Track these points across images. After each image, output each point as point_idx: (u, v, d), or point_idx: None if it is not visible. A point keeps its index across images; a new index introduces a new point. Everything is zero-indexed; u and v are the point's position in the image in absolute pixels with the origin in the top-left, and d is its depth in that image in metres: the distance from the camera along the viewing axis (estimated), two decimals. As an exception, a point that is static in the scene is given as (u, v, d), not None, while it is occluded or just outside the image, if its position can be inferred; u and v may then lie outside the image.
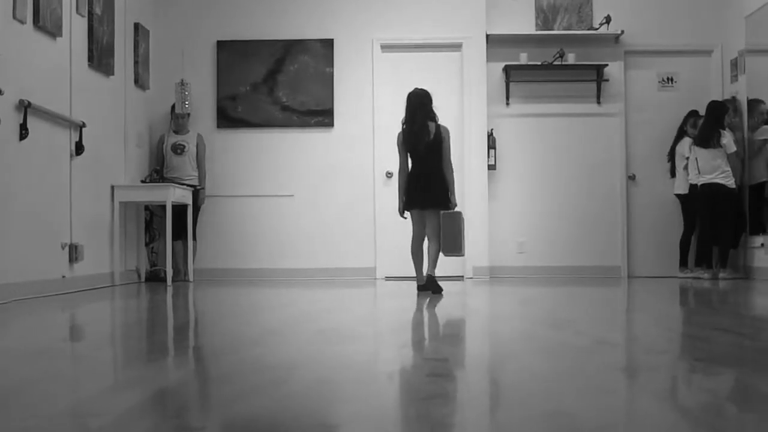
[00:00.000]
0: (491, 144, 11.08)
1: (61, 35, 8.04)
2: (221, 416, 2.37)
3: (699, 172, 10.35)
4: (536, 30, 11.33)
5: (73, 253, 8.30)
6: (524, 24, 11.36)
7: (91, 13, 8.79)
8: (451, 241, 8.02)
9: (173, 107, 10.45)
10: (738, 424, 2.27)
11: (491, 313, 6.15)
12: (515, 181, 11.30)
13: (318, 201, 11.01)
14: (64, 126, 8.20)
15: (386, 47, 11.11)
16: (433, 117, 8.11)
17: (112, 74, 9.38)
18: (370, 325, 5.12)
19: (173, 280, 9.92)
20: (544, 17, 11.37)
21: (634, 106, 11.42)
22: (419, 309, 6.30)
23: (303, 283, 9.76)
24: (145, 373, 3.23)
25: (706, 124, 10.36)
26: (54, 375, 3.20)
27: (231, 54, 11.03)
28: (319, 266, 10.94)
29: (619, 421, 2.36)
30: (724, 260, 10.36)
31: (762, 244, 10.13)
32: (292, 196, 11.02)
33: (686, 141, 10.82)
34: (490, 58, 11.15)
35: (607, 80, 11.28)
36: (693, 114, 10.94)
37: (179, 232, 10.16)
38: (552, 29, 11.32)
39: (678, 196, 10.97)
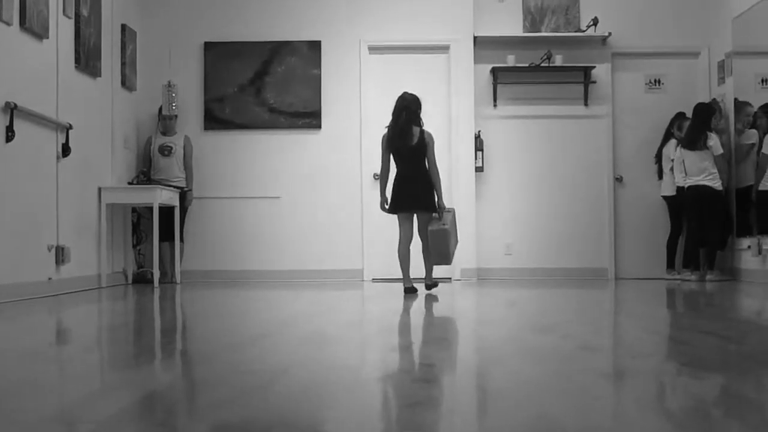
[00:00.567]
0: (479, 146, 11.09)
1: (47, 37, 8.01)
2: (207, 422, 2.37)
3: (686, 174, 10.37)
4: (524, 32, 11.33)
5: (60, 255, 8.27)
6: (512, 26, 11.36)
7: (78, 15, 8.76)
8: (439, 257, 8.24)
9: (160, 109, 10.42)
10: (723, 429, 2.27)
11: (478, 316, 6.16)
12: (503, 182, 11.30)
13: (305, 203, 11.00)
14: (51, 128, 8.18)
15: (373, 49, 11.11)
16: (418, 122, 8.19)
17: (99, 76, 9.36)
18: (357, 329, 5.12)
19: (160, 282, 9.91)
20: (532, 19, 11.38)
21: (622, 108, 11.44)
22: (406, 312, 6.30)
23: (290, 285, 9.75)
24: (131, 378, 3.22)
25: (693, 126, 10.38)
26: (40, 379, 3.19)
27: (218, 55, 11.02)
28: (306, 268, 10.93)
29: (604, 427, 2.36)
30: (711, 262, 10.39)
31: (749, 246, 10.16)
32: (279, 197, 11.00)
33: (673, 143, 10.84)
34: (477, 59, 11.16)
35: (594, 82, 11.29)
36: (680, 116, 10.96)
37: (166, 234, 10.13)
38: (539, 31, 11.33)
39: (665, 198, 10.99)
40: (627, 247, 11.36)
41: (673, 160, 10.71)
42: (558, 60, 11.16)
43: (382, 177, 8.36)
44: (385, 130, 8.32)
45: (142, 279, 10.29)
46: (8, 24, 7.25)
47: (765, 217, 9.96)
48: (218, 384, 3.01)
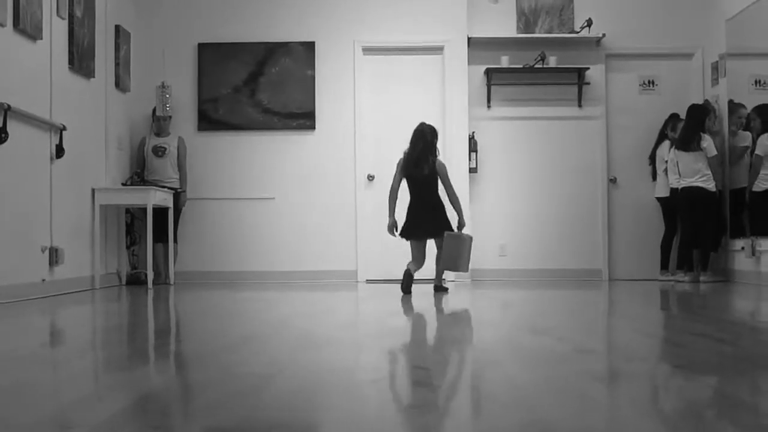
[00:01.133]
0: (472, 147, 11.09)
1: (41, 38, 8.00)
2: (201, 425, 2.36)
3: (679, 176, 10.38)
4: (518, 33, 11.34)
5: (54, 256, 8.26)
6: (506, 27, 11.37)
7: (71, 16, 8.75)
8: (449, 260, 8.39)
9: (154, 110, 10.41)
10: (718, 431, 2.27)
11: (472, 317, 6.15)
12: (496, 184, 11.31)
13: (299, 204, 11.00)
14: (45, 129, 8.17)
15: (368, 50, 11.11)
16: (433, 152, 8.49)
17: (93, 77, 9.35)
18: (351, 330, 5.11)
19: (154, 283, 9.90)
20: (526, 20, 11.38)
21: (616, 109, 11.45)
22: (400, 313, 6.30)
23: (284, 286, 9.75)
24: (125, 381, 3.22)
25: (687, 128, 10.39)
26: (33, 382, 3.19)
27: (212, 56, 11.01)
28: (300, 269, 10.93)
29: (599, 429, 2.36)
30: (705, 263, 10.39)
31: (742, 248, 10.17)
32: (273, 198, 11.00)
33: (667, 144, 10.86)
34: (471, 61, 11.16)
35: (588, 83, 11.31)
36: (674, 117, 10.97)
37: (160, 235, 10.13)
38: (533, 32, 11.34)
39: (659, 199, 11.00)
40: (621, 248, 11.38)
41: (667, 162, 10.72)
42: (552, 61, 11.17)
43: (391, 199, 8.59)
44: (402, 155, 8.57)
45: (135, 280, 10.28)
46: (2, 25, 7.25)
47: (759, 218, 9.97)
48: (212, 386, 3.00)
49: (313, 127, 11.01)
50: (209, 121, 11.01)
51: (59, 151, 8.37)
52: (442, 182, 8.52)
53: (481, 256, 11.11)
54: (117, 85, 10.14)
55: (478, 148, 11.16)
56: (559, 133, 11.35)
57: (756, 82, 10.34)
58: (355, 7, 11.10)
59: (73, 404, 2.72)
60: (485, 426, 2.39)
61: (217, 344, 4.34)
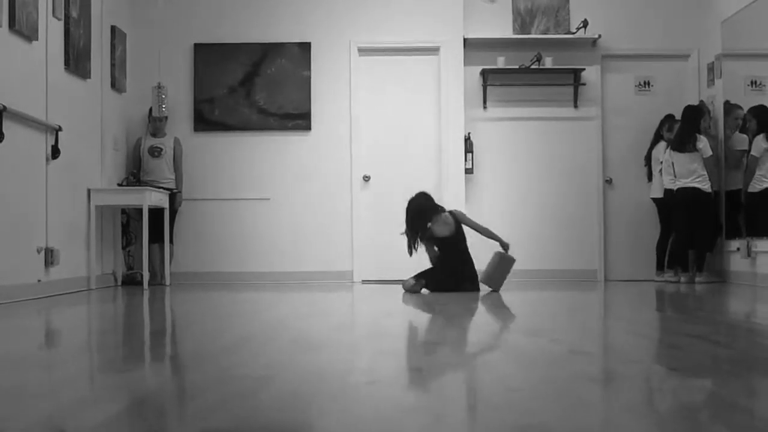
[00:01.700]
0: (468, 148, 11.09)
1: (37, 39, 8.00)
2: (196, 428, 2.36)
3: (675, 177, 10.38)
4: (514, 34, 11.35)
5: (49, 257, 8.25)
6: (502, 28, 11.38)
7: (67, 16, 8.75)
8: (488, 276, 8.84)
9: (150, 110, 10.41)
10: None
11: (466, 318, 6.15)
12: (492, 184, 11.31)
13: (295, 204, 11.00)
14: (40, 130, 8.16)
15: (363, 51, 11.11)
16: (438, 211, 8.82)
17: (89, 77, 9.35)
18: (347, 332, 5.11)
19: (150, 284, 9.90)
20: (522, 21, 11.39)
21: (611, 110, 11.46)
22: (396, 315, 6.30)
23: (280, 287, 9.75)
24: (120, 383, 3.22)
25: (683, 128, 10.40)
26: (28, 384, 3.18)
27: (208, 57, 11.01)
28: (296, 270, 10.93)
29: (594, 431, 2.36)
30: (700, 264, 10.40)
31: (738, 248, 10.18)
32: (269, 199, 11.00)
33: (662, 145, 10.87)
34: (467, 61, 11.17)
35: (584, 84, 11.31)
36: (669, 118, 10.98)
37: (156, 236, 10.13)
38: (529, 33, 11.34)
39: (654, 200, 11.01)
40: (617, 249, 11.39)
41: (662, 163, 10.73)
42: (548, 62, 11.18)
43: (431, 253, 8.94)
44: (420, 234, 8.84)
45: (131, 281, 10.28)
46: (-3, 26, 7.25)
47: (754, 219, 9.98)
48: (208, 388, 3.00)
49: (308, 128, 11.01)
50: (205, 121, 11.00)
51: (55, 152, 8.37)
52: (468, 226, 8.84)
53: (476, 256, 11.08)
54: (113, 85, 10.13)
55: (474, 148, 11.16)
56: (555, 133, 11.36)
57: (752, 83, 10.35)
58: (351, 7, 11.10)
59: (68, 406, 2.72)
60: (480, 428, 2.40)
61: (213, 346, 4.34)
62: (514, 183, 11.35)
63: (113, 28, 10.12)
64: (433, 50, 11.13)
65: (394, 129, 11.08)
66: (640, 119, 11.32)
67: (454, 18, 11.09)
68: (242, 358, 3.82)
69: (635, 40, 11.43)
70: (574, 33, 11.26)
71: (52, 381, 3.36)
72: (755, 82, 10.31)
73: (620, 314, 6.65)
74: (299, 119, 11.00)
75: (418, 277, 8.71)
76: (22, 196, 7.77)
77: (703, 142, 10.22)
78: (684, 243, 10.47)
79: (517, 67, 11.24)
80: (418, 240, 8.72)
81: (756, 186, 9.88)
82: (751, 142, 10.04)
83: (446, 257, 8.79)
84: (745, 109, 10.31)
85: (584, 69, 11.28)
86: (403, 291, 8.60)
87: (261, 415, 2.56)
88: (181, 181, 10.59)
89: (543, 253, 11.28)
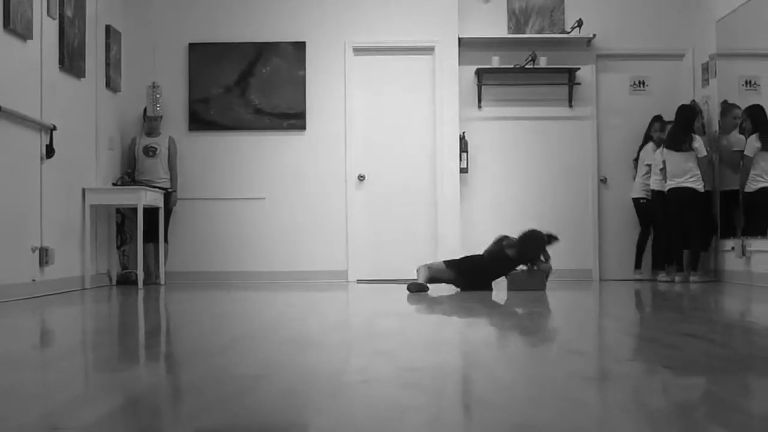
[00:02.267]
0: (463, 147, 11.09)
1: (31, 38, 7.99)
2: (190, 427, 2.36)
3: (666, 177, 10.38)
4: (508, 33, 11.35)
5: (44, 256, 8.24)
6: (496, 27, 11.38)
7: (62, 16, 8.74)
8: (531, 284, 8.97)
9: (145, 110, 10.40)
10: (706, 435, 2.28)
11: (462, 318, 6.15)
12: (487, 184, 11.31)
13: (290, 204, 10.99)
14: (35, 129, 8.15)
15: (358, 50, 11.11)
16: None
17: (84, 77, 9.34)
18: (341, 331, 5.11)
19: (145, 283, 9.89)
20: (516, 21, 11.39)
21: (606, 110, 11.47)
22: (390, 314, 6.30)
23: (274, 286, 9.74)
24: (114, 382, 3.21)
25: (678, 127, 10.39)
26: (22, 384, 3.18)
27: (203, 56, 11.00)
28: (291, 269, 10.92)
29: (588, 431, 2.37)
30: (694, 264, 10.40)
31: (733, 248, 10.19)
32: (264, 199, 10.99)
33: (650, 146, 10.89)
34: (462, 61, 11.17)
35: (578, 83, 11.32)
36: (658, 119, 11.00)
37: (151, 235, 10.12)
38: (524, 33, 11.35)
39: (633, 200, 11.09)
40: (611, 248, 11.39)
41: (648, 165, 10.77)
42: (542, 61, 11.18)
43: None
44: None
45: (126, 280, 10.27)
46: (-8, 25, 7.24)
47: (751, 218, 9.99)
48: (203, 388, 3.00)
49: (303, 128, 11.00)
50: (200, 121, 10.99)
51: (49, 151, 8.35)
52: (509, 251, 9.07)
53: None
54: (108, 85, 10.12)
55: (469, 148, 11.16)
56: (550, 133, 11.36)
57: (746, 82, 10.36)
58: (346, 7, 11.10)
59: (62, 406, 2.72)
60: (475, 427, 2.40)
61: (207, 345, 4.33)
62: (508, 182, 11.35)
63: (108, 28, 10.11)
64: (428, 50, 11.13)
65: (389, 128, 11.08)
66: (635, 119, 11.33)
67: (448, 17, 11.10)
68: (237, 357, 3.81)
69: (630, 40, 11.44)
70: (568, 33, 11.26)
71: (47, 380, 3.36)
72: (750, 81, 10.32)
73: (614, 313, 6.65)
74: (294, 119, 10.99)
75: (449, 264, 8.95)
76: (16, 196, 7.76)
77: (698, 142, 10.22)
78: (678, 243, 10.48)
79: (511, 66, 11.24)
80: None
81: (751, 186, 9.88)
82: (746, 141, 10.05)
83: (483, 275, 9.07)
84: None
85: (579, 68, 11.29)
86: (408, 292, 8.48)
87: (256, 414, 2.56)
88: (176, 180, 10.58)
89: (538, 253, 11.26)
